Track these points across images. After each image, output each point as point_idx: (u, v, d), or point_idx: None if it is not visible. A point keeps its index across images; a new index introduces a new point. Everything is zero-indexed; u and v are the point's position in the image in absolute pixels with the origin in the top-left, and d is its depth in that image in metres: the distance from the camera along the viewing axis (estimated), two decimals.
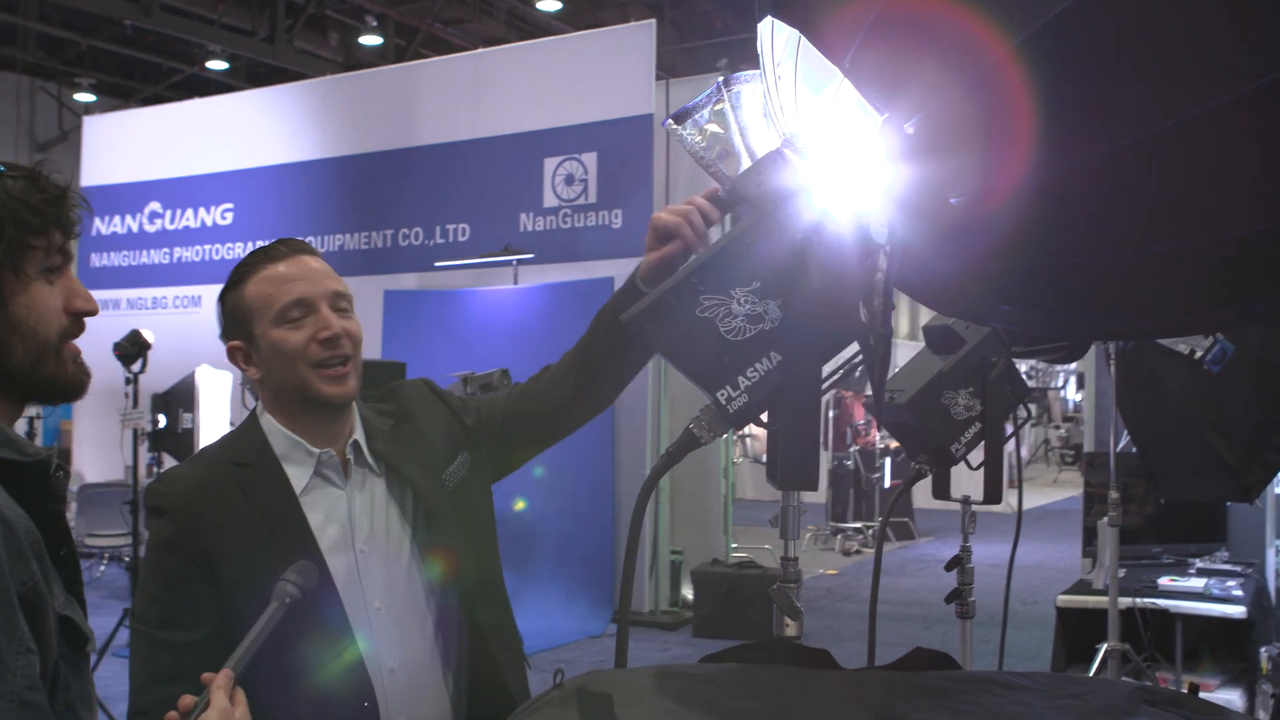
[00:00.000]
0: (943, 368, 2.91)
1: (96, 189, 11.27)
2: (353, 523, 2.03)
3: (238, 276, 2.08)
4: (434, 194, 9.50)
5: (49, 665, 1.30)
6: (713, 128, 2.03)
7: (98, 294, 10.48)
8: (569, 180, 8.81)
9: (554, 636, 7.74)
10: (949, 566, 3.11)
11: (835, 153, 1.70)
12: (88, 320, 1.54)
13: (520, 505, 7.91)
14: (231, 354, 2.07)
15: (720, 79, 2.04)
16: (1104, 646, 4.71)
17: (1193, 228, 1.43)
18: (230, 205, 10.46)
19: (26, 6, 18.34)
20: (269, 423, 2.06)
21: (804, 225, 1.69)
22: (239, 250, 10.17)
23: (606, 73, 8.69)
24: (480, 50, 10.52)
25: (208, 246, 10.53)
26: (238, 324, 2.05)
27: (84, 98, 22.24)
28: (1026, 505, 12.81)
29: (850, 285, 1.69)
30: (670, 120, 2.05)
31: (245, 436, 2.08)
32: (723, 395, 1.69)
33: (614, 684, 1.46)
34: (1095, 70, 1.28)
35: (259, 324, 2.02)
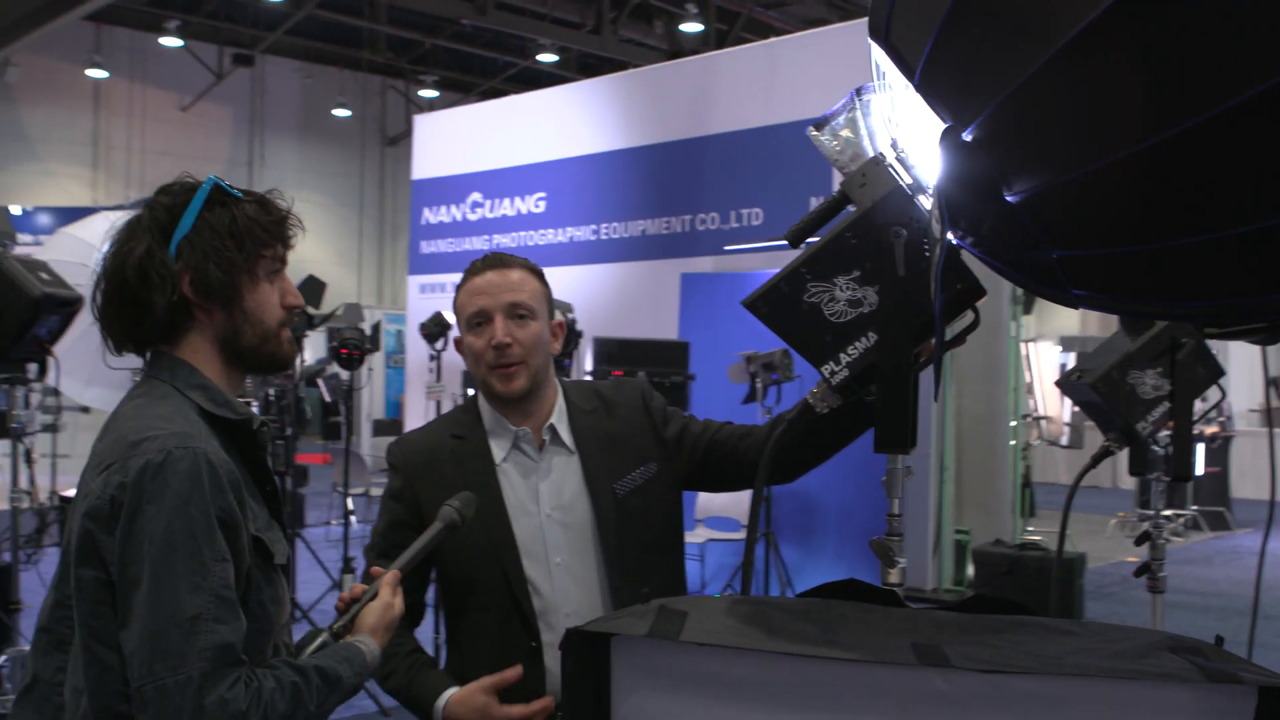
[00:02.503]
0: (1130, 348, 3.01)
1: (426, 181, 12.26)
2: (541, 491, 2.37)
3: (459, 284, 2.46)
4: (729, 180, 9.86)
5: (243, 572, 1.71)
6: (846, 134, 2.25)
7: (425, 278, 11.42)
8: None
9: None
10: (1139, 541, 3.20)
11: (925, 155, 1.92)
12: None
13: None
14: (457, 346, 2.48)
15: (856, 88, 2.27)
16: None
17: None
18: (543, 194, 11.14)
19: (376, 11, 19.87)
20: (482, 402, 2.45)
21: (897, 220, 1.91)
22: (551, 237, 10.88)
23: None
24: (772, 40, 10.79)
25: (522, 233, 11.27)
26: (458, 325, 2.45)
27: (427, 94, 23.81)
28: None
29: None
30: (812, 128, 2.31)
31: (465, 413, 2.48)
32: (827, 370, 1.95)
33: (693, 605, 1.73)
34: (1200, 23, 1.29)
35: (461, 327, 2.42)
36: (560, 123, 11.13)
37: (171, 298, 1.76)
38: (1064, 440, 11.36)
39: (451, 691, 2.22)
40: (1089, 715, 1.55)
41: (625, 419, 2.46)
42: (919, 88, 1.80)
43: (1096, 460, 3.20)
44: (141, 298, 1.75)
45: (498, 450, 2.40)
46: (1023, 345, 9.67)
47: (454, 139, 12.20)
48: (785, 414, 2.19)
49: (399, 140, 24.78)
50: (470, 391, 8.44)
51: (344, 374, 6.97)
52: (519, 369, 2.34)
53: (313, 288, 5.47)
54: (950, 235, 1.98)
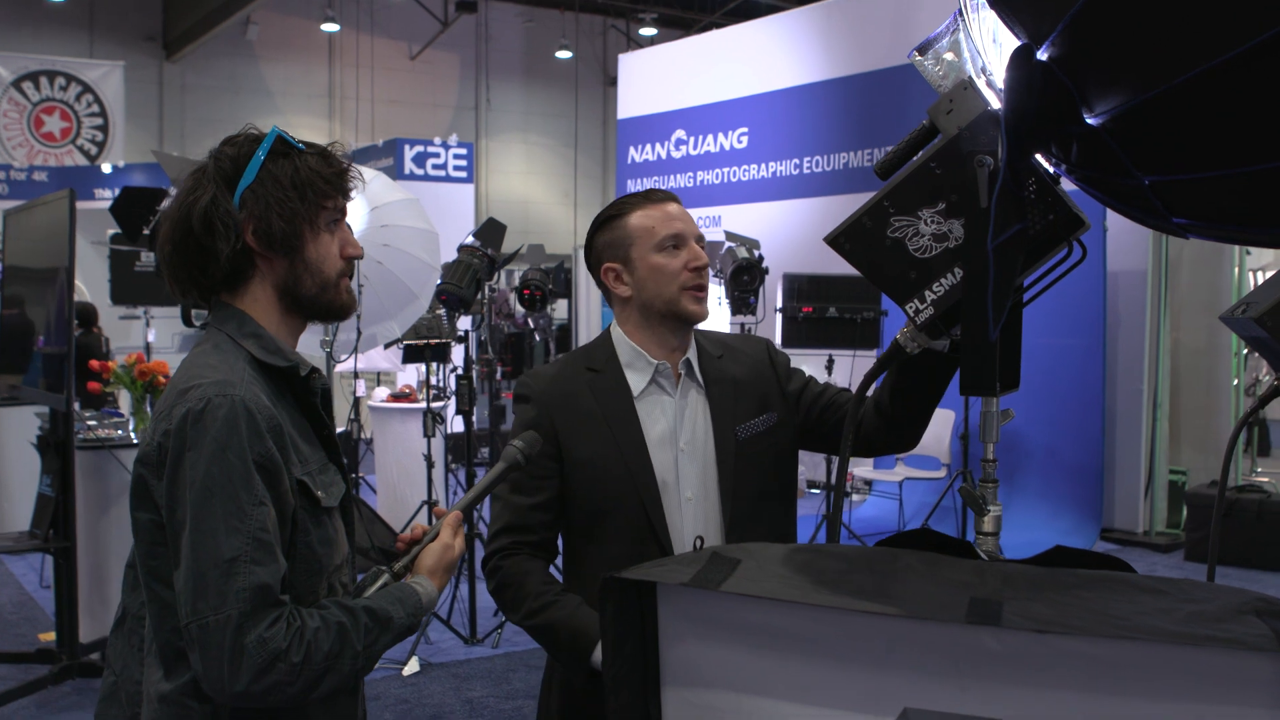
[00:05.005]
0: None
1: (631, 120, 12.30)
2: (678, 425, 2.36)
3: (617, 212, 2.43)
4: None
5: (287, 514, 1.75)
6: (949, 57, 2.13)
7: None
8: None
9: (1035, 550, 7.59)
10: None
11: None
12: None
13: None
14: (604, 274, 2.43)
15: (958, 9, 2.14)
16: None
17: None
18: (745, 129, 10.99)
19: None
20: (619, 335, 2.43)
21: (984, 148, 1.79)
22: (754, 172, 10.75)
23: None
24: None
25: (726, 169, 11.14)
26: (617, 249, 2.41)
27: (648, 32, 23.84)
28: None
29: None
30: (914, 52, 2.18)
31: (599, 347, 2.46)
32: (911, 308, 1.85)
33: (748, 552, 1.68)
34: None
35: (639, 249, 2.38)
36: (762, 56, 10.93)
37: (235, 246, 1.80)
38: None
39: None
40: (1149, 681, 1.44)
41: (750, 367, 2.46)
42: (993, 3, 1.68)
43: (1264, 401, 2.97)
44: (206, 245, 1.80)
45: (635, 383, 2.39)
46: (1253, 274, 9.06)
47: (658, 77, 12.13)
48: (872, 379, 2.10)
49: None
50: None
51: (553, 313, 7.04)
52: (706, 294, 2.40)
53: (492, 230, 5.52)
54: (1046, 163, 1.85)
